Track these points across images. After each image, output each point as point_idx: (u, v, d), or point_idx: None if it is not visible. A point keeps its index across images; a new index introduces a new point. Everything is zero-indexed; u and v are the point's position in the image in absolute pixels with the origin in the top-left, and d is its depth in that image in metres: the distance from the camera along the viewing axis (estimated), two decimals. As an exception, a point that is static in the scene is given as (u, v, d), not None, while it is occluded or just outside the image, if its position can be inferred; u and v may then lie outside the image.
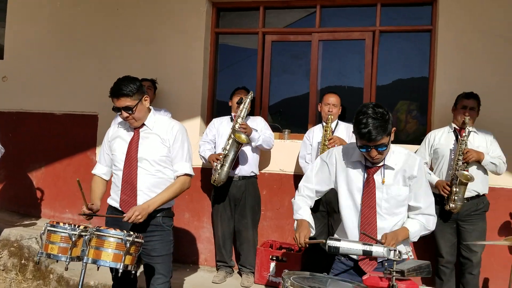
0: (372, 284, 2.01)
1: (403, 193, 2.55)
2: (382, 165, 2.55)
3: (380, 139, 2.36)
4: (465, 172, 3.74)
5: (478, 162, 3.82)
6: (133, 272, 2.54)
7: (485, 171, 3.91)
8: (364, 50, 4.81)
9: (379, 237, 2.41)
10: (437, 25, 4.49)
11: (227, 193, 4.43)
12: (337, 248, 1.97)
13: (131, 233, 2.50)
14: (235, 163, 4.32)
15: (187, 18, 5.04)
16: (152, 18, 5.16)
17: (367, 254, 1.97)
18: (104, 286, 4.22)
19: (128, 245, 2.43)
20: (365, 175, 2.56)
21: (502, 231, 4.26)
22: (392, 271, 1.92)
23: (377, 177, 2.54)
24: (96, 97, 5.22)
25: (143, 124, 2.98)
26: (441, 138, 4.04)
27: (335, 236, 2.18)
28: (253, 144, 4.34)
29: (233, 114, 4.48)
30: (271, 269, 4.34)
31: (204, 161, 4.51)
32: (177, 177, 3.02)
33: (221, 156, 4.23)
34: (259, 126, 4.46)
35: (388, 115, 2.40)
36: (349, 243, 1.99)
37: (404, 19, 4.80)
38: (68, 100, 5.44)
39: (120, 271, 2.42)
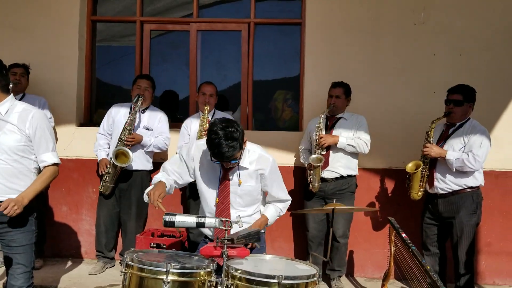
0: (207, 253, 2.15)
1: (256, 190, 2.78)
2: (236, 165, 2.70)
3: (231, 156, 2.51)
4: (314, 156, 4.08)
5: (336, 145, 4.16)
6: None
7: (351, 156, 4.22)
8: (241, 41, 5.01)
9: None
10: (305, 19, 4.80)
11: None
12: (173, 222, 2.09)
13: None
14: None
15: (60, 5, 4.86)
16: (23, 3, 4.90)
17: (201, 226, 2.11)
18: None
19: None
20: (221, 174, 2.72)
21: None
22: (223, 240, 2.08)
23: (232, 175, 2.72)
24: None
25: None
26: (315, 125, 4.27)
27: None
28: (144, 149, 4.38)
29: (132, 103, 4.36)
30: (151, 257, 4.37)
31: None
32: (45, 167, 2.96)
33: (105, 172, 4.28)
34: (155, 124, 4.44)
35: (238, 131, 2.51)
36: (184, 216, 2.12)
37: (277, 12, 5.06)
38: None
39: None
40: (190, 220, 2.10)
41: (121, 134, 4.24)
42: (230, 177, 2.71)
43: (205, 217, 2.12)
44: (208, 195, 2.75)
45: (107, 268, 4.49)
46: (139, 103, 4.24)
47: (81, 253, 4.85)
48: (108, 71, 5.22)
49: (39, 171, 2.99)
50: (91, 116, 5.14)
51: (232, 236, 2.09)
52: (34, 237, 2.98)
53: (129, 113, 4.33)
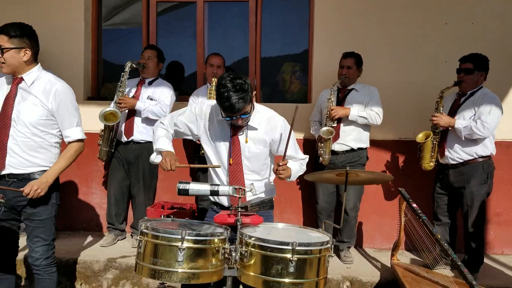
0: (221, 221, 2.15)
1: (264, 154, 2.73)
2: (245, 124, 2.67)
3: (243, 109, 2.48)
4: (324, 128, 4.04)
5: (347, 117, 4.11)
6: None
7: (362, 128, 4.18)
8: (248, 12, 4.92)
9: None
10: (314, -12, 4.71)
11: (123, 155, 4.43)
12: (187, 190, 2.08)
13: (-12, 192, 2.43)
14: (129, 131, 4.36)
15: (65, -24, 4.80)
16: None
17: (215, 194, 2.11)
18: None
19: (-18, 204, 2.37)
20: (231, 133, 2.68)
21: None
22: (237, 207, 2.08)
23: (241, 136, 2.68)
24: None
25: (22, 79, 2.83)
26: (326, 96, 4.24)
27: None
28: (141, 116, 4.35)
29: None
30: (161, 229, 4.42)
31: None
32: (69, 143, 2.94)
33: (99, 136, 4.32)
34: (158, 95, 4.40)
35: (247, 84, 2.49)
36: (198, 184, 2.11)
37: (285, -19, 4.97)
38: None
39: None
40: (204, 188, 2.09)
41: (115, 97, 4.29)
42: (240, 137, 2.67)
43: (218, 185, 2.12)
44: (218, 156, 2.70)
45: (118, 240, 4.54)
46: (128, 64, 4.28)
47: (92, 226, 4.90)
48: (115, 45, 5.18)
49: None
50: (99, 90, 5.12)
51: (246, 203, 2.09)
52: (55, 210, 2.99)
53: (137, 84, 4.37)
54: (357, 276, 3.90)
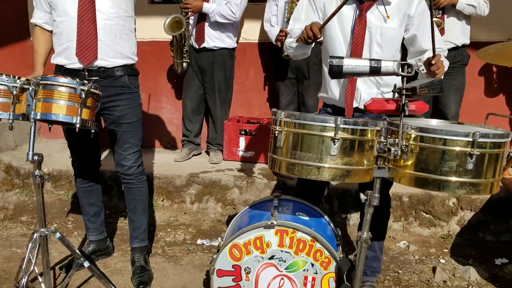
0: (377, 108, 1.74)
1: (399, 35, 2.27)
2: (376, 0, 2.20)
3: None
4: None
5: (453, 6, 3.54)
6: (93, 131, 2.16)
7: (465, 21, 3.65)
8: None
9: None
10: None
11: (196, 63, 4.05)
12: (340, 67, 1.65)
13: (85, 82, 2.08)
14: (200, 37, 3.94)
15: None
16: None
17: (375, 71, 1.67)
18: (59, 172, 3.85)
19: (83, 95, 2.02)
20: (357, 12, 2.21)
21: (480, 87, 4.18)
22: (402, 89, 1.65)
23: (370, 15, 2.21)
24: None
25: None
26: None
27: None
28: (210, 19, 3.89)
29: None
30: (240, 144, 4.12)
31: None
32: None
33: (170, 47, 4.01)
34: None
35: None
36: (354, 60, 1.67)
37: None
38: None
39: (78, 126, 2.02)
40: (361, 64, 1.65)
41: (180, 2, 3.88)
42: (368, 16, 2.20)
43: (380, 60, 1.67)
44: (339, 41, 2.29)
45: (193, 155, 4.27)
46: None
47: (164, 143, 4.64)
48: None
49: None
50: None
51: (413, 84, 1.66)
52: (141, 112, 2.69)
53: None
54: (463, 191, 3.52)
